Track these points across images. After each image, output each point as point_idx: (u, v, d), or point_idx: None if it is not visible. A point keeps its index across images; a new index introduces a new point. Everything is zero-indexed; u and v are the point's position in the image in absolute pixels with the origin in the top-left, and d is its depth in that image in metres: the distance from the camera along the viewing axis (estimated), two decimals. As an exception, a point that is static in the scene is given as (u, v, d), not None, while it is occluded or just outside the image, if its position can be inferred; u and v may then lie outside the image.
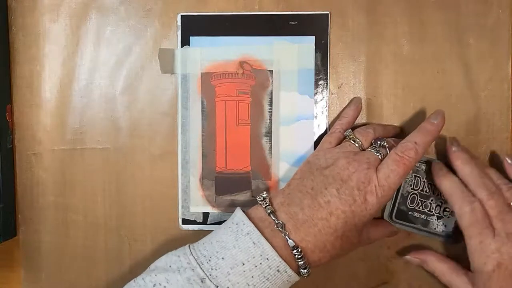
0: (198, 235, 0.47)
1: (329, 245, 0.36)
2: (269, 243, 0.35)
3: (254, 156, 0.47)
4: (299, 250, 0.35)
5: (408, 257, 0.44)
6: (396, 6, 0.46)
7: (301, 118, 0.46)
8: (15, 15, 0.47)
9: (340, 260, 0.47)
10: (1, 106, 0.46)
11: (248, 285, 0.34)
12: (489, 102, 0.46)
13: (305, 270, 0.35)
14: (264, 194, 0.38)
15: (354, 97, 0.45)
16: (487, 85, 0.45)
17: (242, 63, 0.46)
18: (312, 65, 0.46)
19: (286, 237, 0.35)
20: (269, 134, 0.47)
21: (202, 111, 0.47)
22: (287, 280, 0.35)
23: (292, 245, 0.35)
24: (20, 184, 0.48)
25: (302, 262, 0.35)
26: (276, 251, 0.34)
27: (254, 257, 0.34)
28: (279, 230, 0.35)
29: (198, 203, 0.47)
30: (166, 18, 0.47)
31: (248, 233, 0.35)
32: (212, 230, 0.45)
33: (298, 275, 0.36)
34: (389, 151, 0.38)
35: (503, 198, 0.39)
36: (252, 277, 0.34)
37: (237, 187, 0.47)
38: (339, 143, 0.42)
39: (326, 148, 0.41)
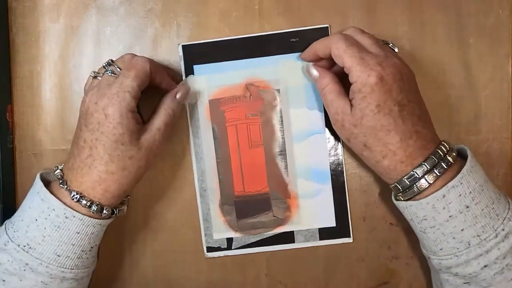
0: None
1: (104, 174, 0.38)
2: (56, 197, 0.38)
3: (270, 176, 0.47)
4: (76, 193, 0.38)
5: (312, 71, 0.43)
6: (396, 6, 0.46)
7: (313, 133, 0.46)
8: (15, 15, 0.47)
9: (340, 260, 0.47)
10: (1, 106, 0.46)
11: (44, 236, 0.38)
12: (489, 102, 0.46)
13: (94, 207, 0.38)
14: (58, 165, 0.41)
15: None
16: (487, 85, 0.45)
17: (248, 86, 0.46)
18: (318, 80, 0.45)
19: (68, 190, 0.39)
20: (283, 152, 0.46)
21: (214, 137, 0.47)
22: (83, 224, 0.38)
23: (72, 193, 0.38)
24: (20, 184, 0.48)
25: (85, 202, 0.38)
26: (63, 202, 0.38)
27: (43, 211, 0.38)
28: (61, 186, 0.39)
29: (220, 229, 0.47)
30: (166, 18, 0.47)
31: (38, 192, 0.39)
32: (237, 255, 0.46)
33: (91, 216, 0.39)
34: (116, 65, 0.40)
35: (376, 38, 0.41)
36: (45, 228, 0.38)
37: (258, 209, 0.47)
38: None
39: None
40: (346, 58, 0.38)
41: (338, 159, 0.46)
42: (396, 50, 0.42)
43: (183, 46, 0.46)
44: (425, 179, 0.37)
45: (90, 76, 0.42)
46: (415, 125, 0.38)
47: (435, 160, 0.37)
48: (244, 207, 0.47)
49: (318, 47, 0.42)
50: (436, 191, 0.37)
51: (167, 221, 0.48)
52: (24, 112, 0.48)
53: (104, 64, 0.41)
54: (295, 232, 0.47)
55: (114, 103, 0.38)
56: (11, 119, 0.47)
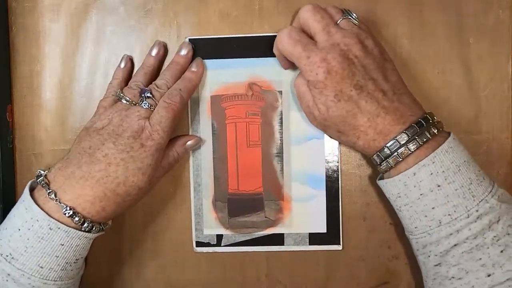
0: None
1: (110, 193, 0.38)
2: (42, 208, 0.37)
3: (266, 176, 0.47)
4: (69, 208, 0.37)
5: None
6: (396, 6, 0.46)
7: (311, 138, 0.46)
8: (15, 15, 0.47)
9: (340, 260, 0.47)
10: (1, 106, 0.46)
11: (26, 247, 0.37)
12: (489, 102, 0.46)
13: (86, 224, 0.38)
14: (43, 170, 0.40)
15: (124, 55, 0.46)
16: (487, 85, 0.45)
17: (251, 85, 0.46)
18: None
19: (57, 202, 0.37)
20: (280, 154, 0.46)
21: (213, 133, 0.47)
22: (68, 236, 0.37)
23: (63, 207, 0.37)
24: (20, 184, 0.48)
25: (77, 218, 0.37)
26: (49, 214, 0.37)
27: (26, 221, 0.37)
28: (50, 198, 0.38)
29: (211, 226, 0.47)
30: (166, 18, 0.47)
31: (23, 200, 0.38)
32: (226, 252, 0.46)
33: (80, 230, 0.38)
34: (156, 99, 0.41)
35: (329, 15, 0.41)
36: (28, 239, 0.37)
37: (250, 209, 0.47)
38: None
39: (101, 112, 0.42)
40: (294, 60, 0.41)
41: (335, 165, 0.46)
42: (355, 17, 0.41)
43: (189, 39, 0.46)
44: (397, 154, 0.38)
45: (113, 96, 0.43)
46: (381, 101, 0.38)
47: (408, 135, 0.37)
48: (236, 205, 0.47)
49: (276, 53, 0.44)
50: (409, 168, 0.37)
51: (163, 219, 0.48)
52: (24, 112, 0.48)
53: (139, 91, 0.42)
54: (285, 235, 0.47)
55: (154, 138, 0.40)
56: (11, 119, 0.48)
